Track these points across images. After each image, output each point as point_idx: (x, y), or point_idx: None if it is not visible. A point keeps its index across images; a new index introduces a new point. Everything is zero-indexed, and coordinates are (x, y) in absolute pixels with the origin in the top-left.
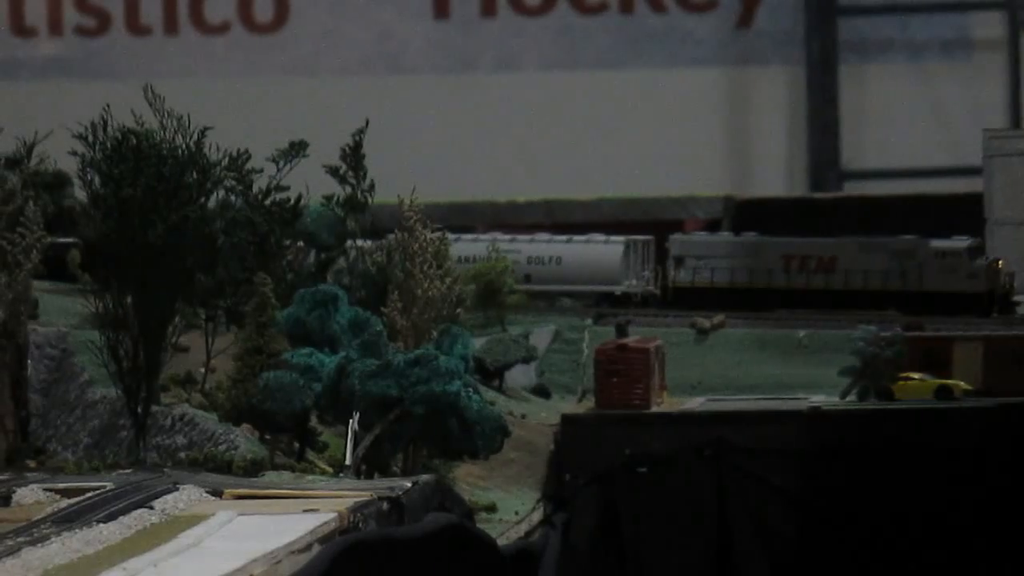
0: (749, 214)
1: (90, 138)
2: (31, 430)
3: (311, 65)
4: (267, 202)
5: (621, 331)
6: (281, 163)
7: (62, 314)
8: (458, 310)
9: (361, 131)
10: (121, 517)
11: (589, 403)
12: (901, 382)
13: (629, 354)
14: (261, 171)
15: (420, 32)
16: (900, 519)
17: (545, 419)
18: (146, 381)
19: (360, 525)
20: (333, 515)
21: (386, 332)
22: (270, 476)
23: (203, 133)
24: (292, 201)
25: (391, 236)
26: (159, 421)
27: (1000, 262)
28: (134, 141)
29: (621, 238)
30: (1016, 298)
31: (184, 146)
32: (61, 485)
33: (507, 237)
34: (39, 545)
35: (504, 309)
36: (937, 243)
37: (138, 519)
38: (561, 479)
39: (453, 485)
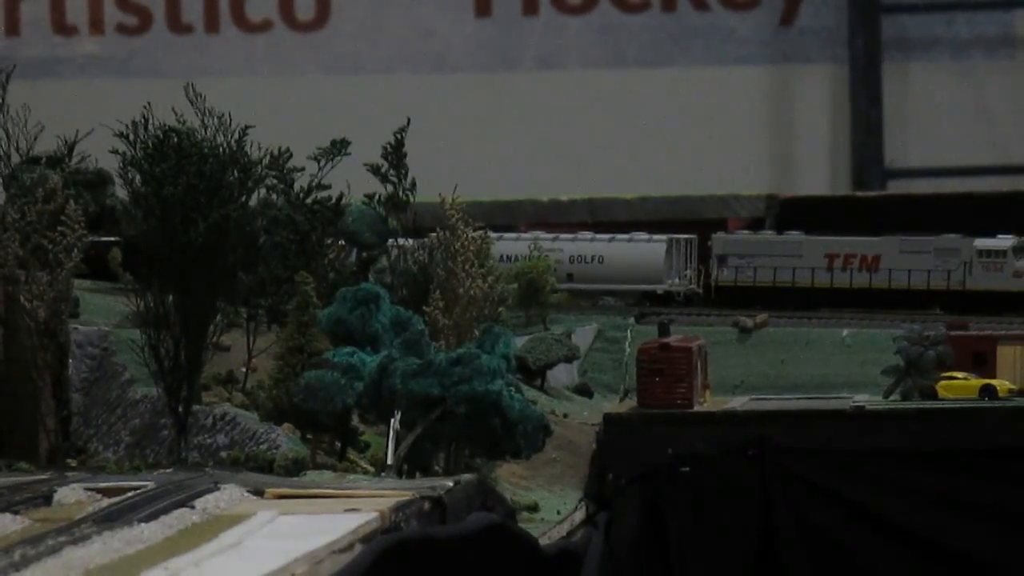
0: (792, 213)
1: (131, 137)
2: (72, 429)
3: (352, 63)
4: (309, 201)
5: (663, 330)
6: (322, 162)
7: (103, 313)
8: (500, 309)
9: (403, 129)
10: (162, 516)
11: (631, 402)
12: (945, 381)
13: (672, 353)
14: (302, 170)
15: (462, 30)
16: (943, 517)
17: (587, 418)
18: (187, 380)
19: (402, 525)
20: (375, 515)
21: (428, 331)
22: (311, 475)
23: (244, 132)
24: (333, 200)
25: (433, 235)
26: (200, 420)
27: None
28: (175, 140)
29: (664, 237)
30: None
31: (225, 145)
32: (102, 484)
33: (549, 236)
34: (80, 545)
35: (546, 308)
36: (981, 242)
37: (179, 519)
38: (603, 479)
39: (495, 485)
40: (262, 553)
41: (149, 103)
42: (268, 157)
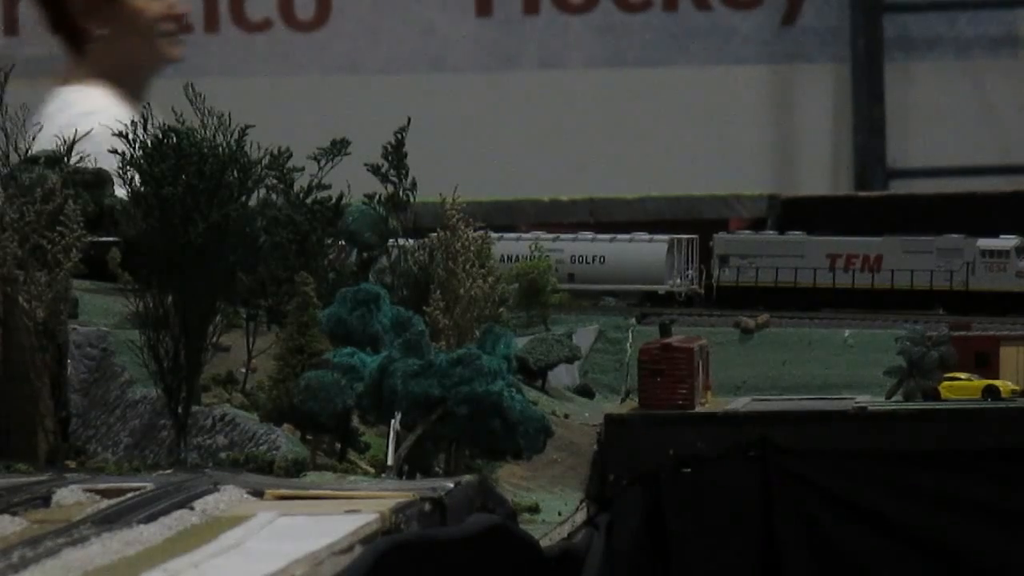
0: (794, 213)
1: (130, 136)
2: (71, 430)
3: (352, 63)
4: (308, 201)
5: (665, 330)
6: (322, 161)
7: (102, 313)
8: (501, 309)
9: (403, 129)
10: (162, 518)
11: (633, 403)
12: (948, 382)
13: (673, 353)
14: (302, 170)
15: (462, 29)
16: (946, 519)
17: (588, 419)
18: (187, 381)
19: (402, 526)
20: (375, 516)
21: (428, 332)
22: (312, 477)
23: (244, 131)
24: (334, 200)
25: (433, 235)
26: (200, 421)
27: None
28: (175, 139)
29: (665, 237)
30: None
31: (225, 144)
32: (101, 486)
33: (550, 236)
34: (79, 546)
35: (547, 308)
36: (984, 242)
37: (179, 520)
38: (604, 480)
39: (496, 486)
40: (262, 554)
41: (148, 102)
42: (268, 157)
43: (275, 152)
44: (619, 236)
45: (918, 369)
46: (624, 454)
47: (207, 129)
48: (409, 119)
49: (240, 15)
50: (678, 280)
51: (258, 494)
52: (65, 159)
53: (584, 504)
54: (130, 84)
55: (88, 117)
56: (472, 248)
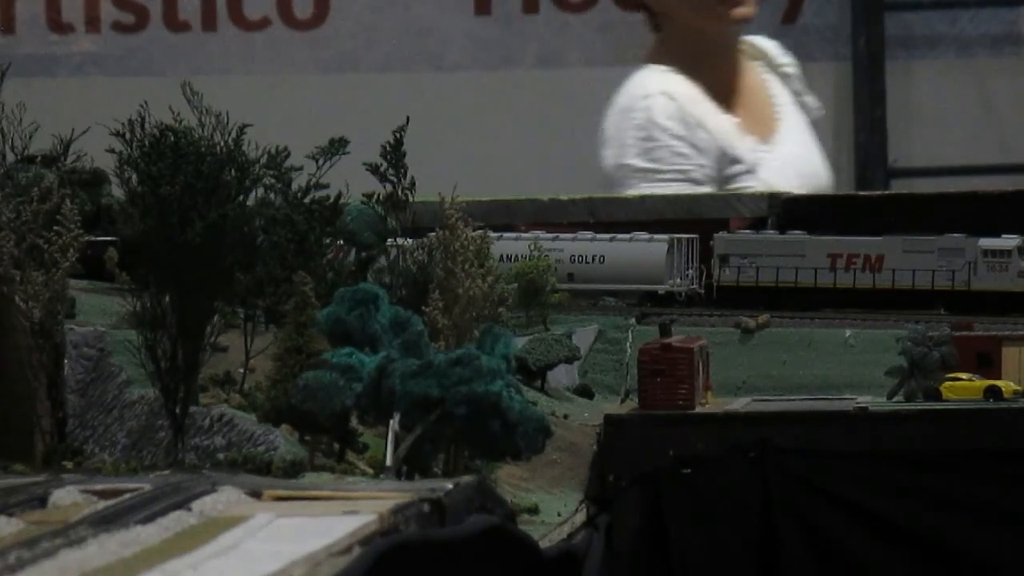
0: (795, 212)
1: (127, 135)
2: (68, 431)
3: (351, 61)
4: (307, 200)
5: (665, 330)
6: (321, 161)
7: (99, 313)
8: (500, 309)
9: (402, 128)
10: (159, 519)
11: (632, 403)
12: (949, 382)
13: (673, 354)
14: (301, 169)
15: (461, 28)
16: (947, 520)
17: (588, 420)
18: (184, 381)
19: (401, 527)
20: (373, 517)
21: (427, 331)
22: (310, 477)
23: (242, 130)
24: (332, 199)
25: (432, 234)
26: (197, 422)
27: None
28: (172, 138)
29: (665, 236)
30: None
31: (223, 144)
32: (98, 486)
33: (550, 235)
34: (76, 547)
35: (546, 308)
36: (986, 241)
37: (176, 521)
38: (604, 480)
39: (495, 486)
40: (260, 555)
41: (146, 102)
42: (266, 156)
43: (273, 151)
44: (619, 236)
45: (919, 369)
46: (624, 454)
47: (205, 128)
48: (408, 118)
49: (238, 14)
50: (678, 280)
51: (256, 495)
52: (62, 158)
53: (584, 505)
54: (701, 58)
55: (643, 101)
56: (471, 248)
